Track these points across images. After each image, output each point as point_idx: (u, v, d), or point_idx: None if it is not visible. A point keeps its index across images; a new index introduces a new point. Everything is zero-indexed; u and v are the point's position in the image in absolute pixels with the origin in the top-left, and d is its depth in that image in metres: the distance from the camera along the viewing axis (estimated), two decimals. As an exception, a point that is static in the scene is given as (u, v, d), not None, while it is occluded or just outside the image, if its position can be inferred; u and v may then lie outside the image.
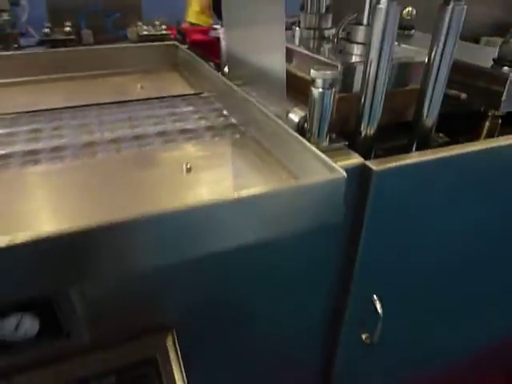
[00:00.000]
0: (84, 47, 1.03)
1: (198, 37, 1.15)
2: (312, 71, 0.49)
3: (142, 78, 0.84)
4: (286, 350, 0.67)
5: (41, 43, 1.40)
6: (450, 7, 0.52)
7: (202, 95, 0.72)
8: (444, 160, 0.54)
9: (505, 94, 0.61)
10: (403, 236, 0.59)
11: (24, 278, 0.33)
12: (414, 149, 0.61)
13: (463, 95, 0.63)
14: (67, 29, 1.95)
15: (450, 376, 0.94)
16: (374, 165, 0.50)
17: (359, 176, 0.51)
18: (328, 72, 0.49)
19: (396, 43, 0.55)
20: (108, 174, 0.50)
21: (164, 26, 1.82)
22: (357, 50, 0.62)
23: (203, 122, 0.59)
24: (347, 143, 0.55)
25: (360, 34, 0.61)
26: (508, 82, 0.60)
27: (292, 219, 0.40)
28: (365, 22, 0.61)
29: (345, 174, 0.39)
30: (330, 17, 0.72)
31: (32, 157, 0.51)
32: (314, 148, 0.44)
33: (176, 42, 0.96)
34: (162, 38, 1.38)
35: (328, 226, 0.43)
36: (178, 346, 0.51)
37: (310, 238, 0.53)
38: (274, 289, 0.57)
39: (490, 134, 0.66)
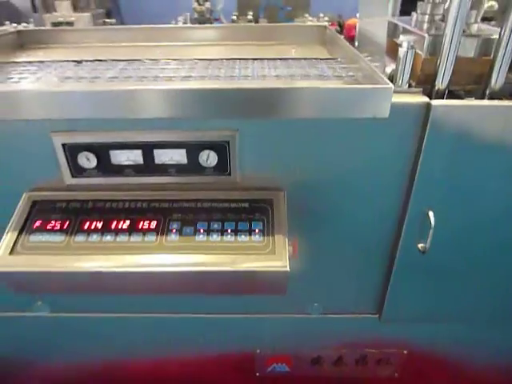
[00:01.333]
0: (257, 24, 1.43)
1: (353, 33, 1.43)
2: (400, 36, 0.76)
3: (296, 48, 1.19)
4: (361, 241, 0.94)
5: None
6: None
7: (337, 60, 1.02)
8: (491, 108, 0.75)
9: None
10: (457, 165, 0.81)
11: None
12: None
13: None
14: (249, 17, 2.45)
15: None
16: (433, 102, 0.75)
17: (425, 109, 0.76)
18: (410, 37, 0.75)
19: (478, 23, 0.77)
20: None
21: (326, 18, 2.15)
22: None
23: (331, 72, 0.89)
24: (421, 89, 0.79)
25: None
26: None
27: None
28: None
29: (391, 85, 0.65)
30: (441, 6, 0.95)
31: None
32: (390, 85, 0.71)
33: (326, 23, 1.27)
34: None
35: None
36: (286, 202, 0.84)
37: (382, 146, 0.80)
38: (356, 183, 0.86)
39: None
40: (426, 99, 0.76)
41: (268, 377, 1.23)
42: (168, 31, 1.29)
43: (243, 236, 0.79)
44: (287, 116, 0.70)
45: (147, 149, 0.82)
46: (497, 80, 0.79)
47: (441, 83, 0.79)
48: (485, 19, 1.09)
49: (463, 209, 0.87)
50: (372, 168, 0.83)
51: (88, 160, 0.83)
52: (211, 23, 2.31)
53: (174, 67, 0.89)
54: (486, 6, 1.08)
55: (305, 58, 0.98)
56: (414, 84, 0.86)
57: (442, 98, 0.80)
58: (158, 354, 1.20)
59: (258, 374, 1.23)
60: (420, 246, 0.91)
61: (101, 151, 0.82)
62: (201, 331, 1.13)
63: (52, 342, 1.19)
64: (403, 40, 0.77)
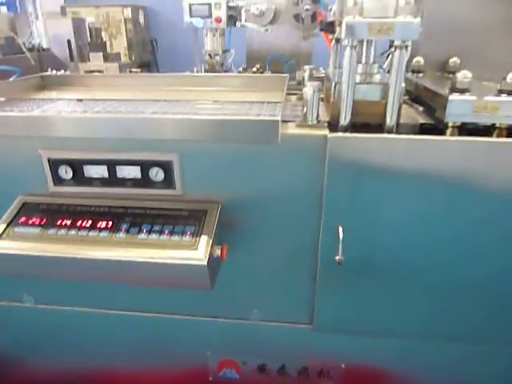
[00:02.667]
0: (237, 74, 1.69)
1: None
2: (306, 82, 0.96)
3: (260, 93, 1.42)
4: (287, 253, 1.10)
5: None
6: (397, 52, 0.91)
7: (275, 102, 1.23)
8: (377, 139, 0.92)
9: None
10: (356, 185, 0.97)
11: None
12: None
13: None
14: (254, 69, 2.75)
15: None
16: (329, 134, 0.93)
17: (324, 140, 0.94)
18: (315, 83, 0.95)
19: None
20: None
21: (322, 70, 2.39)
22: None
23: (258, 110, 1.10)
24: (326, 124, 0.98)
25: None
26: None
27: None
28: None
29: (278, 119, 0.84)
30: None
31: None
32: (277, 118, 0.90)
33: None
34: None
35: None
36: (218, 213, 1.03)
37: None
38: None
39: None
40: (324, 132, 0.94)
41: (220, 382, 1.35)
42: (158, 78, 1.57)
43: (176, 236, 0.98)
44: (203, 139, 0.91)
45: (111, 165, 1.04)
46: (391, 118, 0.97)
47: (344, 120, 0.98)
48: (413, 71, 1.28)
49: (370, 223, 1.01)
50: (289, 188, 1.01)
51: (66, 172, 1.06)
52: (223, 73, 2.62)
53: (146, 105, 1.14)
54: (414, 61, 1.28)
55: (251, 102, 1.20)
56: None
57: (346, 132, 0.98)
58: (111, 358, 1.37)
59: (211, 379, 1.35)
60: (337, 258, 1.05)
61: (76, 166, 1.05)
62: (154, 331, 1.29)
63: (34, 335, 1.39)
64: (309, 85, 0.96)
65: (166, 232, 0.99)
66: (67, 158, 1.05)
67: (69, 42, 2.56)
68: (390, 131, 0.97)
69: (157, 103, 1.17)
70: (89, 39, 2.69)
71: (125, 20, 4.87)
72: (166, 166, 1.02)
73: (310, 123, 0.98)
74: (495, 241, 1.01)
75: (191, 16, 2.51)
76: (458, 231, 1.01)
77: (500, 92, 0.93)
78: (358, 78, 1.03)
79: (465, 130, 0.98)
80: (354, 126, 1.00)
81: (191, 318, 1.24)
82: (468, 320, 1.13)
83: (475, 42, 1.24)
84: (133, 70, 2.91)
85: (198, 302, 1.20)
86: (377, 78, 1.02)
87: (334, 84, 1.00)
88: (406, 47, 0.91)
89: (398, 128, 1.04)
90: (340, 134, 0.94)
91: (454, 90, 0.94)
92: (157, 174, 1.03)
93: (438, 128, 0.99)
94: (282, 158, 0.98)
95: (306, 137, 0.95)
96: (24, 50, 2.83)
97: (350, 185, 0.97)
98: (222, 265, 1.07)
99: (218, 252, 1.00)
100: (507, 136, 0.97)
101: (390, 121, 0.97)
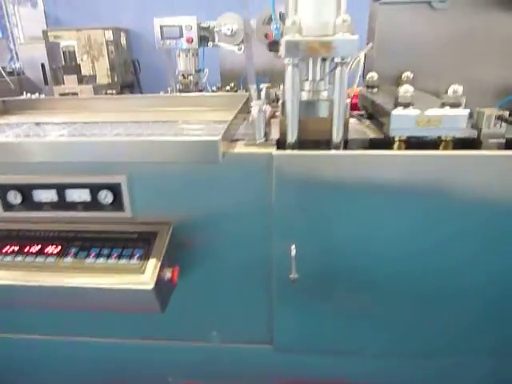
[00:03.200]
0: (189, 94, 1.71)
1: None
2: (253, 101, 0.96)
3: (212, 111, 1.42)
4: (243, 273, 1.08)
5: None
6: (339, 70, 0.91)
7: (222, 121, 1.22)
8: (321, 156, 0.91)
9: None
10: (304, 202, 0.96)
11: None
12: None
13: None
14: (228, 88, 2.77)
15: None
16: (274, 152, 0.92)
17: (270, 158, 0.93)
18: (260, 101, 0.95)
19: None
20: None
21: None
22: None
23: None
24: (274, 142, 0.97)
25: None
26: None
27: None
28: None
29: (218, 139, 0.84)
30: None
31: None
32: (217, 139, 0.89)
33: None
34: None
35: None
36: (171, 233, 1.01)
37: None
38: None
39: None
40: (270, 150, 0.94)
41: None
42: (119, 100, 1.57)
43: (124, 260, 0.96)
44: (145, 161, 0.90)
45: (60, 189, 1.02)
46: (337, 134, 0.97)
47: (291, 137, 0.97)
48: (368, 87, 1.29)
49: (322, 239, 1.00)
50: (240, 207, 1.00)
51: (15, 197, 1.04)
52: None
53: (101, 127, 1.14)
54: (368, 76, 1.29)
55: (204, 121, 1.21)
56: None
57: (294, 149, 0.98)
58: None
59: (176, 405, 1.31)
60: (290, 276, 1.04)
61: (25, 190, 1.03)
62: (112, 357, 1.25)
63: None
64: (254, 104, 0.96)
65: (115, 256, 0.97)
66: (16, 183, 1.03)
67: (42, 65, 2.57)
68: (337, 147, 0.97)
69: (115, 125, 1.17)
70: (63, 62, 2.71)
71: (106, 42, 4.90)
72: (115, 189, 1.00)
73: (257, 142, 0.98)
74: (449, 253, 1.00)
75: (162, 38, 2.54)
76: (411, 243, 1.00)
77: (443, 105, 0.93)
78: (305, 95, 1.03)
79: (414, 143, 0.98)
80: (304, 143, 1.00)
81: (150, 342, 1.21)
82: (435, 336, 1.11)
83: (427, 57, 1.26)
84: (108, 91, 2.93)
85: (155, 325, 1.17)
86: (324, 94, 1.02)
87: (281, 102, 1.00)
88: (347, 64, 0.91)
89: (348, 144, 1.04)
90: (285, 152, 0.94)
91: (397, 104, 0.94)
92: (106, 197, 1.01)
93: (386, 142, 1.00)
94: (231, 177, 0.97)
95: (252, 155, 0.95)
96: (3, 74, 2.84)
97: (300, 202, 0.96)
98: (179, 286, 1.05)
99: (168, 275, 0.98)
100: (454, 148, 0.97)
101: (336, 137, 0.97)
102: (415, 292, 1.05)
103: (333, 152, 0.93)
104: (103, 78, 4.91)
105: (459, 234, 0.97)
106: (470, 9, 1.21)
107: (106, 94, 2.86)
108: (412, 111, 0.92)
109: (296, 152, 0.94)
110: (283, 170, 0.94)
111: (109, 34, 4.87)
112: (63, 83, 2.65)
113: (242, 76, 2.92)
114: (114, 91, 2.91)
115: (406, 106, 0.93)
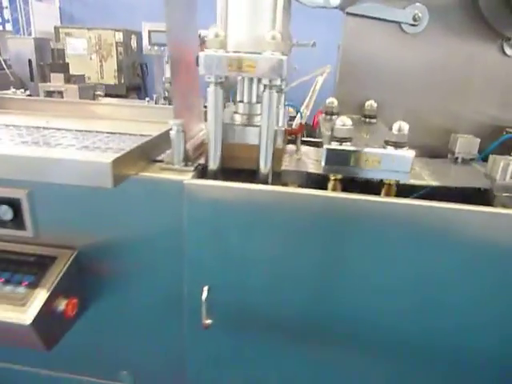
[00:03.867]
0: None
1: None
2: (171, 120, 0.84)
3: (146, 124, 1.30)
4: (153, 310, 0.96)
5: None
6: (267, 93, 0.79)
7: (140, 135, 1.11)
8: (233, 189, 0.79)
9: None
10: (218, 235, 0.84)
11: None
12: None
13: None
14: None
15: None
16: (185, 180, 0.80)
17: (181, 186, 0.81)
18: (179, 121, 0.83)
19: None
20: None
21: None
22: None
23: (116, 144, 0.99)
24: (192, 168, 0.86)
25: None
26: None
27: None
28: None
29: (108, 162, 0.72)
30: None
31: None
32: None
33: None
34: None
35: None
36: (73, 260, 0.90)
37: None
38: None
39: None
40: (181, 177, 0.82)
41: None
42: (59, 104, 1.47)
43: (10, 287, 0.84)
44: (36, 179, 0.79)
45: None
46: (266, 164, 0.84)
47: (213, 164, 0.85)
48: (327, 114, 1.16)
49: (237, 280, 0.87)
50: (151, 236, 0.88)
51: None
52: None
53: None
54: (327, 102, 1.16)
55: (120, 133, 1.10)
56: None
57: (216, 178, 0.86)
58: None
59: None
60: (204, 322, 0.91)
61: None
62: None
63: None
64: (172, 124, 0.85)
65: (2, 280, 0.86)
66: None
67: (30, 61, 2.52)
68: (264, 179, 0.85)
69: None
70: (51, 60, 2.66)
71: (116, 43, 4.90)
72: (14, 204, 0.90)
73: (175, 166, 0.86)
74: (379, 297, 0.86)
75: (150, 43, 2.46)
76: (329, 282, 0.86)
77: (386, 143, 0.80)
78: (238, 119, 0.92)
79: (354, 184, 0.86)
80: (230, 172, 0.88)
81: (61, 374, 1.09)
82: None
83: (395, 85, 1.13)
84: (96, 93, 2.86)
85: (65, 357, 1.05)
86: (258, 119, 0.90)
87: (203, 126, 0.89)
88: (277, 87, 0.79)
89: (281, 175, 0.92)
90: (197, 181, 0.81)
91: (332, 138, 0.81)
92: (5, 213, 0.90)
93: (321, 180, 0.87)
94: (141, 203, 0.86)
95: (162, 181, 0.83)
96: (4, 66, 2.80)
97: (213, 236, 0.84)
98: (86, 318, 0.94)
99: (61, 307, 0.86)
100: (397, 195, 0.84)
101: (264, 167, 0.85)
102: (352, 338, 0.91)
103: (246, 185, 0.80)
104: (110, 78, 4.91)
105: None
106: (444, 36, 1.07)
107: (94, 95, 2.80)
108: (347, 147, 0.80)
109: (208, 182, 0.82)
110: (196, 200, 0.81)
111: (119, 36, 4.87)
112: (49, 81, 2.58)
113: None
114: (102, 94, 2.85)
115: (343, 140, 0.81)
